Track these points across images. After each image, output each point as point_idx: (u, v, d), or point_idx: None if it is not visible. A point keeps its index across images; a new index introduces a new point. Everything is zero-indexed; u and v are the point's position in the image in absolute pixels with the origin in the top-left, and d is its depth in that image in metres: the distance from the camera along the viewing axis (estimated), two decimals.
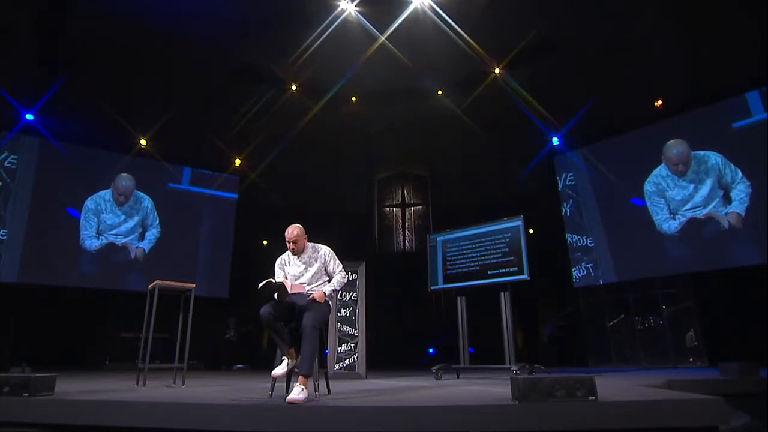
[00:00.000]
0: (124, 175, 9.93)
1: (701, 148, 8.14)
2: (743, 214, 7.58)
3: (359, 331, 6.25)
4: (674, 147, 8.43)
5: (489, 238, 6.13)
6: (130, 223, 9.88)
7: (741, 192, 7.64)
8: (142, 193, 10.11)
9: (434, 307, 10.71)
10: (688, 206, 8.16)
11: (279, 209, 10.60)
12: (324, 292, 3.37)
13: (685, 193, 8.21)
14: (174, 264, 9.90)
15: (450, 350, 7.14)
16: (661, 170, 8.57)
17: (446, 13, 7.88)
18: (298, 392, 2.80)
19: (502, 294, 5.78)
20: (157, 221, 10.15)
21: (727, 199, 7.78)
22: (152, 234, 10.07)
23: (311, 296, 3.32)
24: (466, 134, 9.94)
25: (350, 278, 6.43)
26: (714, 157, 8.00)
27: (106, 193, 9.75)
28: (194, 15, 7.81)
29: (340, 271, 3.59)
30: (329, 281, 3.59)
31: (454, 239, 6.50)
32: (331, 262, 3.59)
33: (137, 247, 9.86)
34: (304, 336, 3.11)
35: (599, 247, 9.16)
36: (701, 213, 8.00)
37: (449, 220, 9.13)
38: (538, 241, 9.54)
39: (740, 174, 7.68)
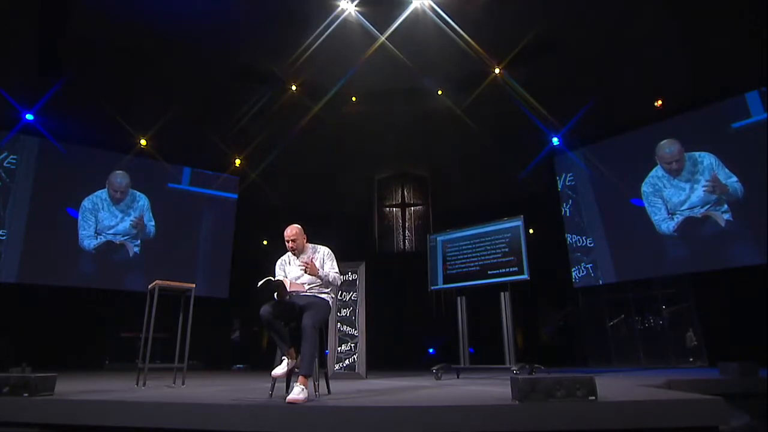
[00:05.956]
0: (119, 171, 9.91)
1: (701, 148, 8.15)
2: (732, 217, 7.63)
3: (359, 331, 6.25)
4: (666, 147, 8.45)
5: (489, 238, 6.13)
6: (128, 222, 9.88)
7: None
8: (138, 192, 10.11)
9: (434, 307, 10.70)
10: (685, 206, 8.16)
11: (279, 209, 10.59)
12: (318, 270, 3.37)
13: (682, 192, 8.22)
14: (174, 264, 9.89)
15: (450, 350, 7.14)
16: (657, 171, 8.59)
17: (446, 13, 7.88)
18: (298, 392, 2.79)
19: (502, 294, 5.78)
20: (153, 222, 10.15)
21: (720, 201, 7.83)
22: (146, 234, 10.06)
23: (305, 264, 3.33)
24: (466, 134, 9.93)
25: (350, 278, 6.44)
26: (708, 158, 8.02)
27: (102, 192, 9.74)
28: (194, 15, 7.80)
29: (336, 272, 3.58)
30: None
31: (454, 239, 6.49)
32: (328, 262, 3.57)
33: (134, 245, 9.86)
34: (304, 336, 3.11)
35: (599, 247, 9.16)
36: (698, 212, 8.01)
37: (449, 220, 9.12)
38: (538, 241, 9.53)
39: (734, 178, 7.70)
